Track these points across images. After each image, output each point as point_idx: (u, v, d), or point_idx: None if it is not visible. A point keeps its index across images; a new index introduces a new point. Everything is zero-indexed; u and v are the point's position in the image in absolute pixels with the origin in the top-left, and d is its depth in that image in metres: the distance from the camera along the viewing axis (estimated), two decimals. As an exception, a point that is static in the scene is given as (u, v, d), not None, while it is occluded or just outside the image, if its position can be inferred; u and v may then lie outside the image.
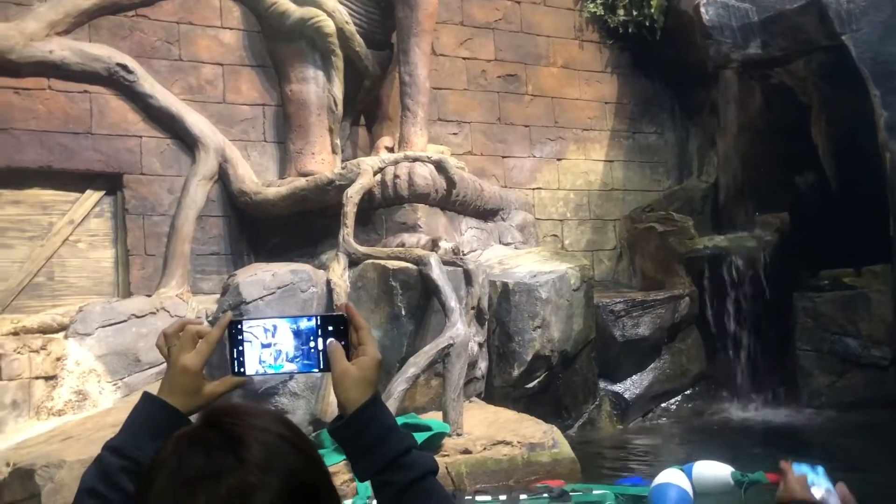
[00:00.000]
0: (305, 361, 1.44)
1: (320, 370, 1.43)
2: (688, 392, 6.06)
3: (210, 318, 4.99)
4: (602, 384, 5.73)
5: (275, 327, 1.44)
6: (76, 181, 5.64)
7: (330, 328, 1.42)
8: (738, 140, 6.68)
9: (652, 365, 5.92)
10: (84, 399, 4.34)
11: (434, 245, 4.88)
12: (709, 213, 7.29)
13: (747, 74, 6.36)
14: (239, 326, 1.43)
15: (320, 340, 1.42)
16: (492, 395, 5.15)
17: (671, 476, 3.30)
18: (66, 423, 4.07)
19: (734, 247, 6.05)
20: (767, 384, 6.16)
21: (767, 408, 6.04)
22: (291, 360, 1.44)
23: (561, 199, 7.36)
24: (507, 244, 6.33)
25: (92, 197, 5.70)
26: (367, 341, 1.39)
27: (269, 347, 1.43)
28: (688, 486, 3.28)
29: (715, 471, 3.46)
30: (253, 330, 1.44)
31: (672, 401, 6.00)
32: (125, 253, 5.71)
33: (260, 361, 1.43)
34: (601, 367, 5.67)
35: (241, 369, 1.43)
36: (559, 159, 7.36)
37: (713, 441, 5.49)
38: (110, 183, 5.74)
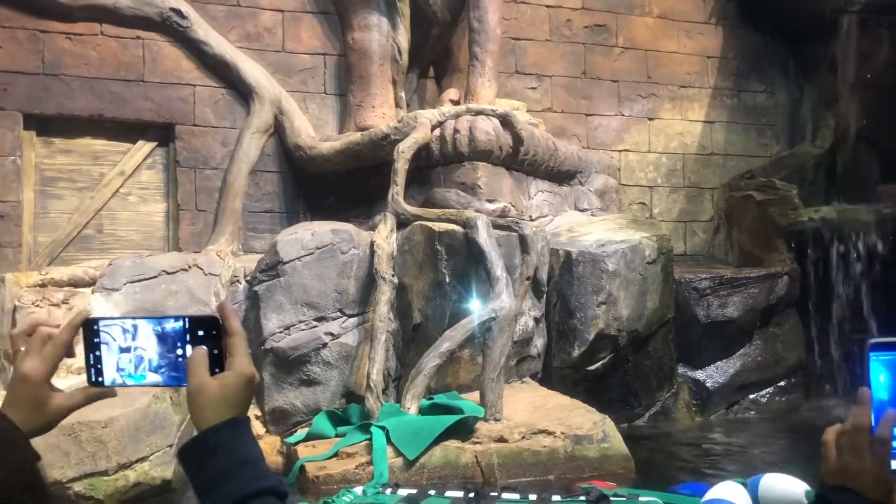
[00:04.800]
0: (172, 373, 1.18)
1: None
2: (782, 384, 5.32)
3: (248, 278, 4.67)
4: (681, 370, 5.10)
5: (135, 328, 1.19)
6: (128, 131, 5.44)
7: (201, 333, 1.16)
8: (860, 98, 5.79)
9: (740, 351, 5.22)
10: (106, 358, 4.09)
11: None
12: (822, 184, 6.44)
13: (872, 21, 5.47)
14: (95, 327, 1.20)
15: (189, 347, 1.17)
16: (550, 376, 4.63)
17: (727, 491, 2.73)
18: (81, 382, 3.84)
19: (845, 220, 5.23)
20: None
21: (877, 407, 5.24)
22: (155, 370, 1.19)
23: (651, 164, 6.68)
24: (584, 210, 5.74)
25: (144, 148, 5.49)
26: (237, 352, 1.14)
27: (129, 352, 1.20)
28: (746, 504, 2.70)
29: (786, 487, 2.85)
30: (110, 331, 1.19)
31: (762, 392, 5.29)
32: (175, 207, 5.49)
33: (118, 369, 1.20)
34: (680, 350, 5.03)
35: (100, 378, 1.21)
36: (651, 119, 6.66)
37: (808, 442, 4.79)
38: (162, 134, 5.51)
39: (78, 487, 2.91)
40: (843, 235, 5.20)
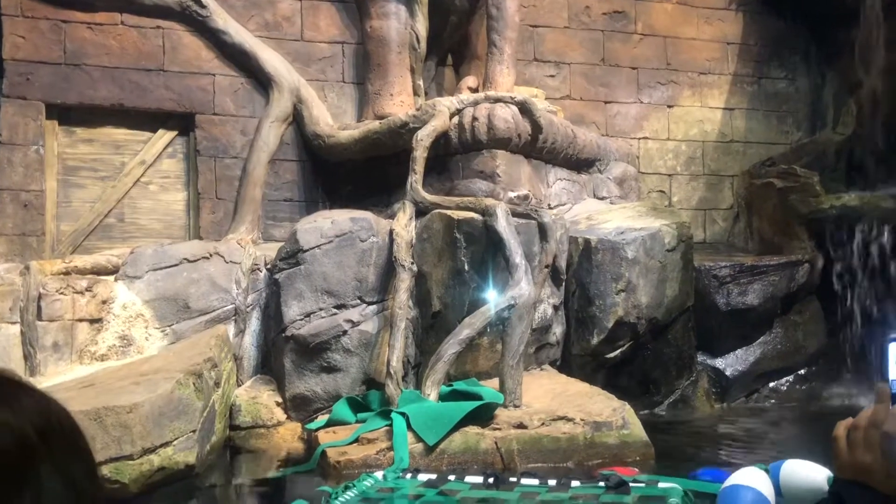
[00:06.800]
0: None
1: None
2: (802, 372, 5.30)
3: (269, 266, 4.71)
4: (700, 358, 5.08)
5: None
6: (148, 120, 5.48)
7: None
8: (884, 84, 5.72)
9: (761, 339, 5.20)
10: (129, 345, 4.15)
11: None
12: (843, 171, 6.35)
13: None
14: None
15: None
16: (569, 364, 4.64)
17: (748, 476, 2.71)
18: (105, 369, 3.89)
19: (867, 207, 5.18)
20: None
21: (899, 395, 5.20)
22: None
23: (671, 151, 6.64)
24: (602, 198, 5.73)
25: (164, 137, 5.53)
26: None
27: None
28: (768, 490, 2.69)
29: (808, 473, 2.84)
30: None
31: (783, 381, 5.27)
32: (196, 196, 5.53)
33: None
34: (700, 338, 5.01)
35: None
36: (670, 106, 6.63)
37: (829, 429, 4.77)
38: (183, 123, 5.54)
39: (104, 471, 2.94)
40: (865, 222, 5.16)
